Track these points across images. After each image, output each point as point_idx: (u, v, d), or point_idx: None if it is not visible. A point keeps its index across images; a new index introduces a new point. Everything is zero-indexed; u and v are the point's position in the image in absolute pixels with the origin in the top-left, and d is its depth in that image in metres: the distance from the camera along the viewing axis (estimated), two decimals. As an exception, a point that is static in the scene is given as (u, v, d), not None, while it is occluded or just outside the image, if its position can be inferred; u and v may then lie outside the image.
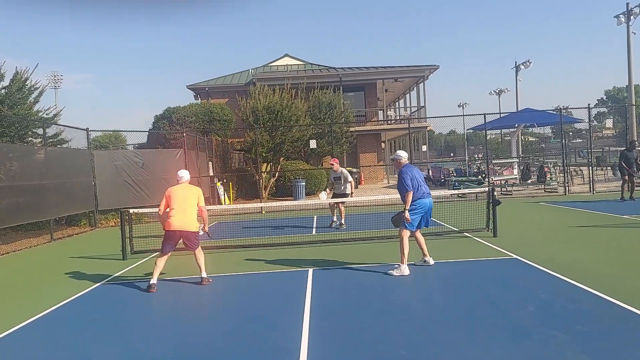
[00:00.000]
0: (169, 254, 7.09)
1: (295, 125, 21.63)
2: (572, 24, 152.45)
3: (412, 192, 6.96)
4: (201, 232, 7.31)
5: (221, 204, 19.15)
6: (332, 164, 12.53)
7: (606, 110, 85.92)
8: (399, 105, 41.66)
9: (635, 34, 28.52)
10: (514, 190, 19.75)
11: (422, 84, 31.77)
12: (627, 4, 28.30)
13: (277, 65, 34.19)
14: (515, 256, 7.72)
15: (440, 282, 6.49)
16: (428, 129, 32.29)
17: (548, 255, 7.70)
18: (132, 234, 10.02)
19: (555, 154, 36.58)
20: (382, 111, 34.38)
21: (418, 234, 7.31)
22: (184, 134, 17.46)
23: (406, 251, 7.00)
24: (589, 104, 18.85)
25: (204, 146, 20.66)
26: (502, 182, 20.44)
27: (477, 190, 14.40)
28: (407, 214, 6.94)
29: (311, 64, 34.20)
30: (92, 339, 4.97)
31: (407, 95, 38.24)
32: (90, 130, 15.95)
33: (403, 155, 7.39)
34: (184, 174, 7.44)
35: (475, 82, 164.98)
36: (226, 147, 24.86)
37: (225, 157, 24.61)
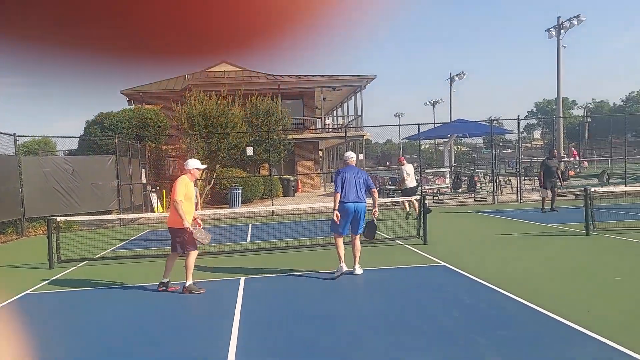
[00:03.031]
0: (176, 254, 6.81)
1: (232, 132, 21.30)
2: (504, 37, 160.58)
3: (339, 194, 7.06)
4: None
5: (154, 212, 18.48)
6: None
7: (535, 122, 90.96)
8: (337, 114, 42.10)
9: (565, 47, 30.22)
10: (446, 199, 20.33)
11: (360, 93, 32.27)
12: (558, 18, 29.92)
13: (215, 71, 33.63)
14: (443, 263, 7.88)
15: (370, 288, 6.50)
16: (365, 137, 32.80)
17: (475, 262, 7.92)
18: (59, 242, 9.49)
19: (486, 164, 38.17)
20: (320, 119, 34.52)
21: (356, 241, 7.31)
22: (116, 140, 16.75)
23: (340, 251, 7.13)
24: (518, 116, 19.77)
25: (137, 153, 19.91)
26: (435, 190, 21.01)
27: (412, 197, 14.65)
28: (335, 213, 7.03)
29: (249, 70, 33.90)
30: (15, 348, 4.57)
31: (345, 104, 38.72)
32: (18, 136, 15.03)
33: (349, 156, 7.53)
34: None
35: (412, 93, 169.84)
36: (160, 153, 24.13)
37: (159, 164, 23.87)
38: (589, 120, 58.03)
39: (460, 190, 20.73)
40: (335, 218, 7.00)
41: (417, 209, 13.30)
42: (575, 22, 28.45)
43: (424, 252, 8.95)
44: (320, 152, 37.12)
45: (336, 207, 7.04)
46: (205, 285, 6.99)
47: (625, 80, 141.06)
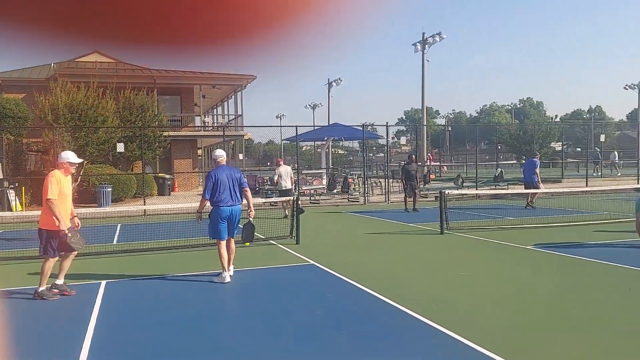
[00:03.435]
0: (57, 257, 6.20)
1: (102, 127, 20.04)
2: (379, 48, 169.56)
3: (207, 200, 6.91)
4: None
5: (11, 211, 16.73)
6: None
7: (405, 129, 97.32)
8: (216, 112, 41.40)
9: (429, 61, 32.77)
10: (322, 199, 21.02)
11: (240, 92, 32.08)
12: (423, 33, 32.40)
13: (85, 62, 31.27)
14: (313, 262, 8.17)
15: (238, 290, 6.55)
16: (245, 137, 32.70)
17: (342, 260, 8.32)
18: None
19: (360, 167, 40.03)
20: (199, 117, 33.71)
21: (231, 244, 7.14)
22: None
23: (223, 260, 6.87)
24: (387, 122, 21.11)
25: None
26: (311, 191, 21.61)
27: (287, 198, 14.94)
28: (198, 215, 7.05)
29: (124, 62, 32.06)
30: None
31: (225, 103, 38.23)
32: None
33: (219, 154, 7.22)
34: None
35: (293, 95, 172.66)
36: (20, 147, 21.91)
37: (19, 158, 21.66)
38: (450, 129, 63.51)
39: (335, 191, 21.54)
40: (197, 219, 7.04)
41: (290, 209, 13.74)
42: (437, 38, 31.06)
43: (295, 252, 9.21)
44: (199, 150, 36.25)
45: (200, 210, 7.06)
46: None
47: (479, 93, 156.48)
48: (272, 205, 18.28)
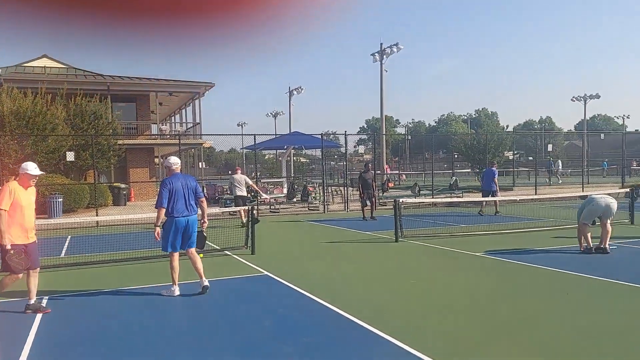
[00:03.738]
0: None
1: (51, 135, 19.38)
2: (341, 57, 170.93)
3: (163, 209, 6.52)
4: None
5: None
6: None
7: (366, 137, 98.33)
8: (174, 120, 40.74)
9: (387, 71, 33.27)
10: (282, 208, 20.94)
11: (198, 100, 31.69)
12: (381, 44, 32.90)
13: (33, 66, 30.27)
14: (266, 273, 8.11)
15: (187, 302, 6.42)
16: (204, 145, 32.29)
17: (297, 270, 8.30)
18: None
19: (321, 175, 40.10)
20: (155, 125, 33.07)
21: (193, 256, 6.83)
22: None
23: (174, 273, 6.64)
24: (345, 131, 21.26)
25: None
26: (271, 200, 21.50)
27: (243, 208, 14.83)
28: (156, 230, 6.50)
29: (75, 68, 31.19)
30: None
31: (183, 111, 37.68)
32: None
33: (174, 162, 6.90)
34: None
35: (255, 103, 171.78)
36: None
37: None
38: (409, 137, 64.64)
39: (295, 200, 21.51)
40: (156, 235, 6.51)
41: (242, 217, 13.90)
42: (395, 49, 31.64)
43: (250, 262, 9.12)
44: (156, 159, 35.55)
45: (159, 224, 6.51)
46: None
47: (437, 104, 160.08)
48: (232, 214, 18.10)
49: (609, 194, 10.07)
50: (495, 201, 16.89)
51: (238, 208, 13.84)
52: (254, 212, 10.29)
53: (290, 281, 7.38)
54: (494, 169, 17.53)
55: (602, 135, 31.62)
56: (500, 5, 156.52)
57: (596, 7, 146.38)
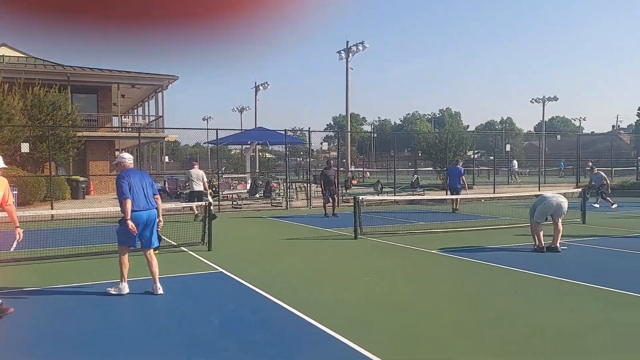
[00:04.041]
0: None
1: (7, 125, 18.70)
2: (307, 53, 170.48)
3: (129, 199, 6.25)
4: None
5: None
6: None
7: (332, 134, 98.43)
8: (137, 113, 39.91)
9: (352, 69, 33.41)
10: (244, 204, 20.78)
11: (161, 93, 31.13)
12: (347, 42, 33.00)
13: (-11, 54, 29.12)
14: (221, 270, 8.02)
15: (137, 300, 6.28)
16: (167, 139, 31.76)
17: (252, 268, 8.24)
18: None
19: (288, 171, 39.98)
20: (117, 117, 32.32)
21: (152, 258, 6.57)
22: None
23: (124, 269, 6.43)
24: (309, 128, 21.24)
25: None
26: (233, 195, 21.31)
27: (198, 203, 14.66)
28: (129, 224, 6.17)
29: (34, 57, 30.16)
30: None
31: (146, 104, 36.95)
32: None
33: (127, 157, 6.71)
34: None
35: (221, 98, 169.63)
36: None
37: None
38: (375, 135, 65.23)
39: (257, 195, 21.38)
40: (131, 229, 6.20)
41: (200, 213, 13.85)
42: (360, 47, 31.81)
43: (206, 259, 9.01)
44: (116, 152, 34.79)
45: (129, 216, 6.21)
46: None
47: (403, 102, 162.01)
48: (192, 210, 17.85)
49: (562, 194, 10.37)
50: (456, 199, 17.33)
51: (192, 204, 13.78)
52: (211, 207, 10.15)
53: (245, 278, 7.32)
54: (459, 167, 17.95)
55: (559, 137, 32.64)
56: (463, 8, 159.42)
57: (553, 11, 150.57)
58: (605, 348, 4.51)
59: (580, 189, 14.98)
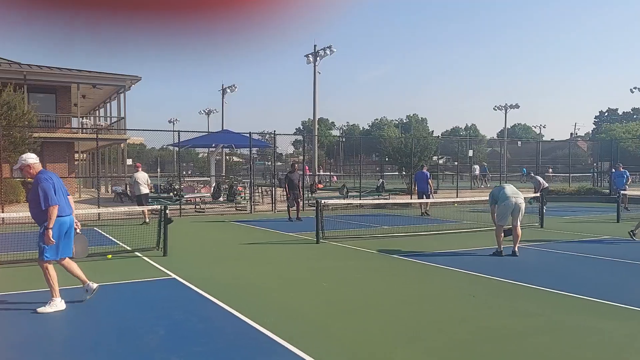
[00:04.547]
0: None
1: (-45, 125, 17.81)
2: (276, 56, 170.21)
3: (57, 206, 5.65)
4: None
5: None
6: None
7: (301, 138, 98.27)
8: (99, 114, 38.85)
9: (320, 73, 33.35)
10: (208, 208, 20.37)
11: (123, 94, 30.35)
12: (315, 46, 32.93)
13: (-61, 50, 27.82)
14: (174, 276, 7.71)
15: (79, 309, 5.92)
16: (130, 141, 30.98)
17: (208, 274, 7.97)
18: None
19: (255, 175, 39.58)
20: (76, 118, 31.33)
21: (71, 264, 6.06)
22: None
23: (53, 282, 5.79)
24: (274, 131, 21.07)
25: None
26: (196, 199, 20.88)
27: (145, 208, 14.27)
28: (49, 233, 5.59)
29: (-12, 55, 28.99)
30: None
31: (108, 105, 36.01)
32: None
33: (34, 157, 5.95)
34: None
35: (188, 100, 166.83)
36: None
37: None
38: (343, 140, 65.39)
39: (221, 199, 20.99)
40: (51, 240, 5.61)
41: (146, 216, 13.59)
42: (328, 51, 31.80)
43: (159, 264, 8.66)
44: (76, 154, 33.75)
45: (52, 226, 5.61)
46: None
47: (371, 108, 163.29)
48: (154, 213, 17.37)
49: (523, 197, 10.35)
50: (425, 203, 17.65)
51: (140, 208, 13.47)
52: (167, 211, 9.81)
53: (198, 285, 7.04)
54: (425, 171, 18.29)
55: (519, 143, 33.38)
56: (429, 15, 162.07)
57: (516, 20, 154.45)
58: (551, 352, 4.46)
59: (539, 194, 15.23)
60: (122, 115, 30.37)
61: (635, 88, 49.94)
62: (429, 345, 4.67)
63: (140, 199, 14.89)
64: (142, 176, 15.28)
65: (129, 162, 34.53)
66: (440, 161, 35.69)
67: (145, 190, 15.10)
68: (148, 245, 10.22)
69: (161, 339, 4.83)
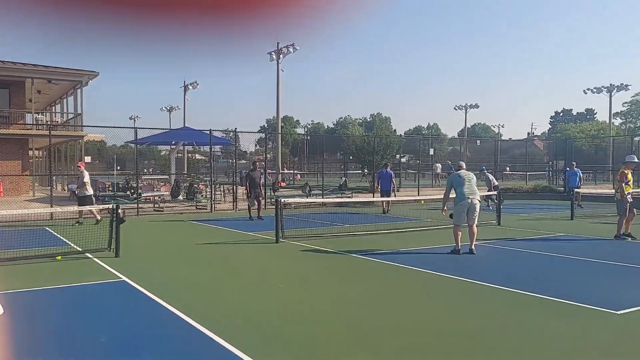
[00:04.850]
0: None
1: None
2: (239, 53, 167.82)
3: None
4: None
5: None
6: None
7: (264, 136, 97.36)
8: (55, 110, 37.53)
9: (283, 71, 33.15)
10: (167, 207, 19.90)
11: (80, 90, 29.38)
12: (278, 43, 32.67)
13: None
14: (124, 278, 7.42)
15: (21, 314, 5.60)
16: (89, 139, 30.03)
17: (161, 276, 7.71)
18: None
19: (220, 173, 39.01)
20: (31, 114, 30.14)
21: None
22: None
23: None
24: (235, 128, 20.78)
25: None
26: (155, 198, 20.38)
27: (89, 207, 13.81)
28: None
29: None
30: None
31: (65, 101, 34.82)
32: None
33: None
34: None
35: (150, 97, 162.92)
36: None
37: None
38: (308, 138, 65.34)
39: (180, 198, 20.56)
40: None
41: (96, 214, 13.12)
42: (291, 49, 31.64)
43: (110, 266, 8.33)
44: (30, 151, 32.52)
45: None
46: None
47: (336, 106, 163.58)
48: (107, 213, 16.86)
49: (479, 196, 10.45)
50: (388, 201, 17.86)
51: (87, 207, 13.06)
52: (120, 211, 9.47)
53: (149, 288, 6.77)
54: (388, 170, 18.48)
55: (479, 142, 34.05)
56: (392, 15, 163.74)
57: (476, 21, 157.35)
58: (504, 353, 4.46)
59: (495, 193, 15.50)
60: (79, 111, 29.40)
61: (588, 89, 51.99)
62: (382, 349, 4.59)
63: (87, 200, 14.29)
64: (88, 175, 14.78)
65: (87, 159, 33.50)
66: (403, 160, 36.03)
67: (91, 190, 14.59)
68: (100, 246, 9.86)
69: (102, 346, 4.59)
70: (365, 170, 27.11)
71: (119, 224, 9.30)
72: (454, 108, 59.07)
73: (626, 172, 11.38)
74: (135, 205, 17.96)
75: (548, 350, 4.50)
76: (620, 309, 5.63)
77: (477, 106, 58.49)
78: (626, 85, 49.88)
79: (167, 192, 21.56)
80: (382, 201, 18.27)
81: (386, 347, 4.60)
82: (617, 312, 5.56)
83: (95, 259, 8.96)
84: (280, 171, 34.23)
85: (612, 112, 58.23)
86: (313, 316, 5.60)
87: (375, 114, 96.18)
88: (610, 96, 50.43)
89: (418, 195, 22.45)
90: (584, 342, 4.76)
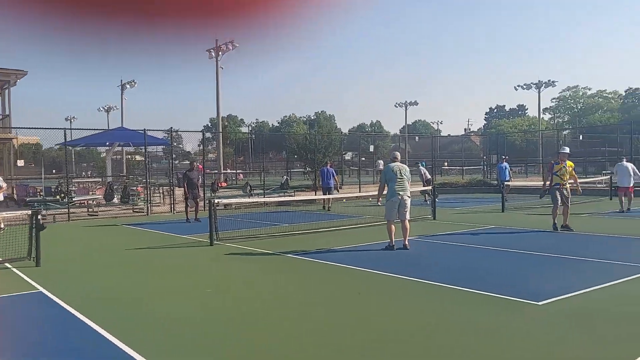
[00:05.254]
0: None
1: None
2: (181, 52, 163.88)
3: None
4: None
5: None
6: None
7: (210, 136, 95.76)
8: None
9: (222, 68, 32.57)
10: (101, 211, 19.12)
11: (8, 89, 27.73)
12: (216, 40, 32.03)
13: None
14: (42, 290, 6.98)
15: None
16: (20, 141, 28.35)
17: (81, 285, 7.32)
18: None
19: (161, 174, 37.89)
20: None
21: None
22: None
23: None
24: (171, 128, 20.20)
25: None
26: (89, 202, 19.53)
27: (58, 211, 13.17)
28: None
29: None
30: None
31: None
32: None
33: None
34: None
35: (86, 96, 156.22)
36: None
37: None
38: (253, 137, 64.77)
39: (115, 201, 19.81)
40: None
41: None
42: (230, 46, 31.16)
43: (28, 276, 7.84)
44: (-49, 155, 30.39)
45: None
46: None
47: (280, 104, 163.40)
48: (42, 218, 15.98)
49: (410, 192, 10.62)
50: (328, 198, 18.09)
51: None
52: (39, 217, 8.96)
53: (66, 300, 6.37)
54: (329, 167, 18.71)
55: (417, 139, 34.87)
56: (331, 13, 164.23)
57: (413, 17, 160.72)
58: (440, 351, 4.49)
59: (429, 187, 15.85)
60: (7, 112, 27.76)
61: (518, 86, 54.49)
62: (311, 351, 4.52)
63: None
64: (2, 180, 14.04)
65: (20, 163, 31.63)
66: (347, 157, 36.35)
67: (1, 197, 13.88)
68: (21, 255, 9.29)
69: (4, 365, 4.29)
70: (308, 168, 27.12)
71: (39, 230, 8.79)
72: (395, 105, 60.19)
73: (553, 162, 11.94)
74: (67, 210, 17.16)
75: (486, 349, 4.49)
76: (541, 300, 5.80)
77: (416, 103, 59.83)
78: (553, 82, 52.54)
79: (102, 196, 20.73)
80: (323, 198, 18.40)
81: (318, 353, 4.53)
82: (538, 303, 5.72)
83: (13, 269, 8.43)
84: (222, 171, 33.70)
85: (542, 108, 61.19)
86: (241, 323, 5.43)
87: (320, 112, 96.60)
88: (539, 92, 52.99)
89: (359, 191, 22.67)
90: (504, 334, 4.82)
